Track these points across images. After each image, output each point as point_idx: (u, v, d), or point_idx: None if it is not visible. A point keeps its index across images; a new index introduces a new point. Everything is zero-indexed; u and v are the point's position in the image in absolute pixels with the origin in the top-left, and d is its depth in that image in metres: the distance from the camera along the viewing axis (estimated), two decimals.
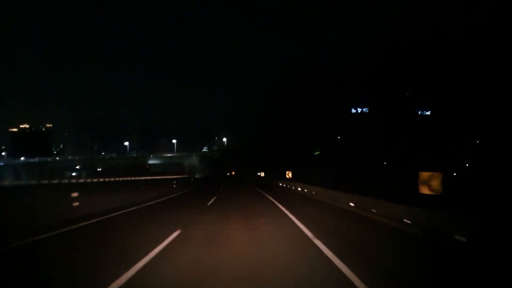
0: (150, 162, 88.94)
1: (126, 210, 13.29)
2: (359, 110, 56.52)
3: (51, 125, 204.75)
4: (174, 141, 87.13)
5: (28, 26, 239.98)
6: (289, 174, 34.26)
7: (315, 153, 50.98)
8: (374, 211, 11.53)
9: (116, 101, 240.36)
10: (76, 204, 10.80)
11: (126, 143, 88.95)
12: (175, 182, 30.30)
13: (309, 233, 8.34)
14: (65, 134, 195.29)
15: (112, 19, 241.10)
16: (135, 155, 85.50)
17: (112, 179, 31.16)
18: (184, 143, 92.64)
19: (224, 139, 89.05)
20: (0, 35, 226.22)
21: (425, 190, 12.76)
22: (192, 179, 38.07)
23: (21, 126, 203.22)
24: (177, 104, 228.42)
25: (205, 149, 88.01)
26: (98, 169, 72.26)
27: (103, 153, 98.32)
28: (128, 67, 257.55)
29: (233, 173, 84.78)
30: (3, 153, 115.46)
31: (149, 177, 36.27)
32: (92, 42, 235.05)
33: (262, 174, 55.39)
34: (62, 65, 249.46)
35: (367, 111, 54.54)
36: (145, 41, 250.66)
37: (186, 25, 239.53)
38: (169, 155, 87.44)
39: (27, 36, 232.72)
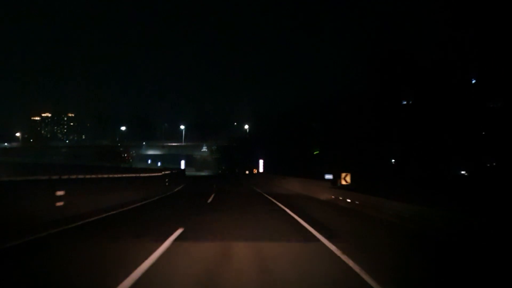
0: (149, 152, 68.95)
1: None
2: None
3: (72, 115, 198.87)
4: (182, 127, 66.80)
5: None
6: None
7: (315, 152, 37.72)
8: None
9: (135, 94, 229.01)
10: None
11: (123, 128, 69.53)
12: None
13: None
14: (88, 124, 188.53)
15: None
16: (118, 144, 66.00)
17: None
18: (195, 131, 71.94)
19: (246, 126, 67.10)
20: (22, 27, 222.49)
21: None
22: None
23: (43, 115, 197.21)
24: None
25: (204, 149, 66.46)
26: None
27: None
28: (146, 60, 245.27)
29: (254, 171, 59.82)
30: None
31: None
32: (115, 29, 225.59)
33: (347, 180, 16.75)
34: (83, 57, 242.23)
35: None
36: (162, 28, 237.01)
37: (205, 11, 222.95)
38: (174, 144, 67.08)
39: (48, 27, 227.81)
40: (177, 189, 19.29)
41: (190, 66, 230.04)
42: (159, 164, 78.67)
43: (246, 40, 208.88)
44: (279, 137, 47.38)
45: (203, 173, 64.38)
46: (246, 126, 66.49)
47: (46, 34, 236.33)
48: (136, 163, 70.46)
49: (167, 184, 18.17)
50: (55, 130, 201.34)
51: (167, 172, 21.44)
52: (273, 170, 41.44)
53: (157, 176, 18.52)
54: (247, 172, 58.52)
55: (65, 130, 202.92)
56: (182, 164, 64.04)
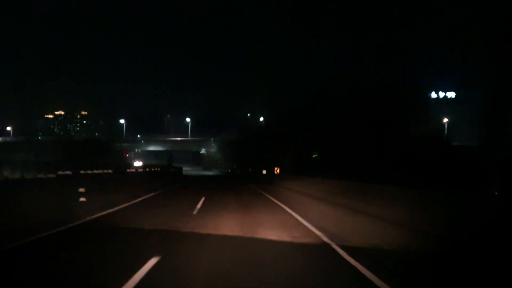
0: (151, 148, 60.74)
1: None
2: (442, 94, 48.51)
3: (86, 113, 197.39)
4: (188, 119, 58.11)
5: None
6: None
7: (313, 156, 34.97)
8: None
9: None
10: None
11: (122, 121, 61.42)
12: None
13: None
14: (101, 122, 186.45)
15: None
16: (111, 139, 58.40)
17: None
18: (203, 127, 63.52)
19: (261, 118, 57.73)
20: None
21: None
22: None
23: (56, 112, 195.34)
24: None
25: (203, 151, 58.33)
26: None
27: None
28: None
29: (277, 170, 46.11)
30: None
31: None
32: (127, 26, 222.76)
33: None
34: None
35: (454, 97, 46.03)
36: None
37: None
38: (178, 139, 58.67)
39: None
40: (103, 212, 8.60)
41: (195, 64, 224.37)
42: None
43: (251, 36, 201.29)
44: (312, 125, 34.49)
45: (209, 173, 55.48)
46: (261, 119, 56.86)
47: (54, 35, 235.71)
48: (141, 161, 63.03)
49: (81, 199, 8.50)
50: (68, 128, 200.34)
51: (97, 172, 12.07)
52: (305, 170, 27.54)
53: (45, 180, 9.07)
54: (264, 172, 47.26)
55: (77, 128, 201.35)
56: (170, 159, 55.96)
